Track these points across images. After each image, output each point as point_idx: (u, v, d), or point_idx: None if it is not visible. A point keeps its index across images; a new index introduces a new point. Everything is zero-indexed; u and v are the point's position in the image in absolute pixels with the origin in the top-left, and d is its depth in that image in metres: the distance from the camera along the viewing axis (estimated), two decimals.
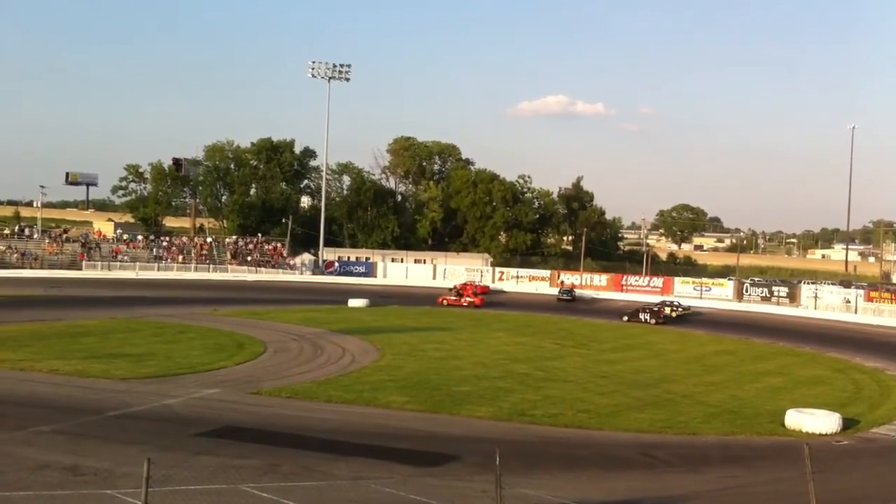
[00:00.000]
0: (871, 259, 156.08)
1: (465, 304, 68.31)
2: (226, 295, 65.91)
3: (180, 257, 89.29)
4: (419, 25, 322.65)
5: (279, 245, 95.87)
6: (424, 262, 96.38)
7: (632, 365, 40.90)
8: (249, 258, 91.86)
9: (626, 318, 64.26)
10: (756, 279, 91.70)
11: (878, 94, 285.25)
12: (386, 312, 60.48)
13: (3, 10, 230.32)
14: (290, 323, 50.08)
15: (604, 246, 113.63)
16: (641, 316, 63.60)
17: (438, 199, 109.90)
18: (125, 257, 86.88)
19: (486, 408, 28.26)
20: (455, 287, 75.34)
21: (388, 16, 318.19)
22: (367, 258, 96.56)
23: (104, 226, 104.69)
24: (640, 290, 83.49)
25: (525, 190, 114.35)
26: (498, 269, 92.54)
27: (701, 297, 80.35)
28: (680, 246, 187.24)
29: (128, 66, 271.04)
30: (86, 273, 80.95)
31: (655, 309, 65.62)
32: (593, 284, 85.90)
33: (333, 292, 72.35)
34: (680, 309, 69.06)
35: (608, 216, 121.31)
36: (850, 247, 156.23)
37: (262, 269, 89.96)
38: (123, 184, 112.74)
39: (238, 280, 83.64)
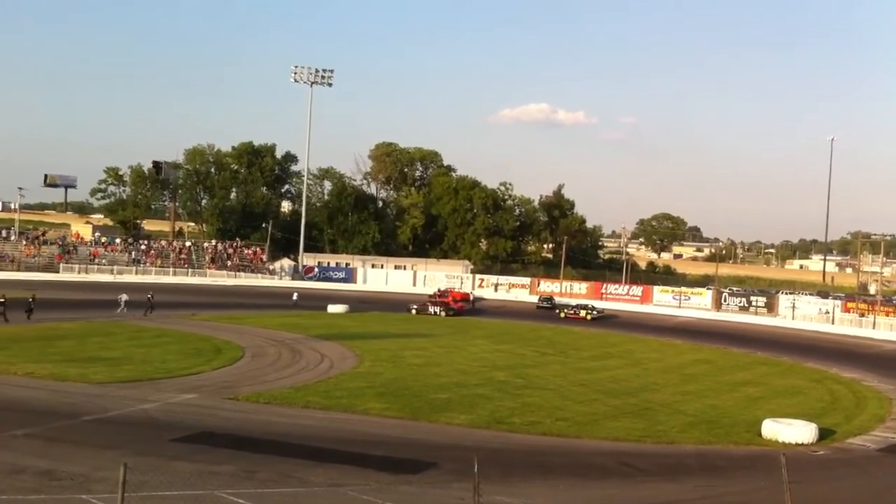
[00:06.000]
0: (849, 270, 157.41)
1: (433, 312, 67.01)
2: (204, 299, 65.56)
3: (159, 261, 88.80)
4: (402, 32, 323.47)
5: (259, 250, 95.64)
6: (405, 269, 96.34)
7: (610, 373, 40.98)
8: (229, 262, 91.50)
9: (414, 310, 66.83)
10: (734, 289, 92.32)
11: (858, 107, 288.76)
12: (366, 318, 60.36)
13: None
14: (268, 328, 49.91)
15: (584, 254, 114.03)
16: (431, 309, 66.86)
17: (419, 205, 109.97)
18: (103, 260, 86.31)
19: (465, 415, 28.21)
20: (436, 293, 75.40)
21: (372, 22, 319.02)
22: (347, 264, 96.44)
23: (82, 228, 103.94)
24: (620, 298, 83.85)
25: (506, 197, 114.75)
26: (478, 276, 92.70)
27: (680, 306, 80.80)
28: (659, 255, 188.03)
29: (108, 69, 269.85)
30: (63, 276, 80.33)
31: (444, 301, 69.72)
32: (573, 292, 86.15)
33: (313, 298, 72.11)
34: (594, 312, 71.65)
35: (589, 224, 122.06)
36: (827, 258, 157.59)
37: (242, 273, 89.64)
38: (102, 186, 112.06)
39: (217, 284, 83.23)
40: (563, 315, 70.23)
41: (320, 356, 39.77)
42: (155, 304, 55.38)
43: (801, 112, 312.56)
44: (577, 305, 73.15)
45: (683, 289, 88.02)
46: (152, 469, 17.63)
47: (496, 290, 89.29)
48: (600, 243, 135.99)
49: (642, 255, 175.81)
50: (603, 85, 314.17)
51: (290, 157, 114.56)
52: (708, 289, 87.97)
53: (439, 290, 77.68)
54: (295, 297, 69.20)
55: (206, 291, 75.27)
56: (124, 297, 55.37)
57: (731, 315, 78.21)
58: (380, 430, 25.36)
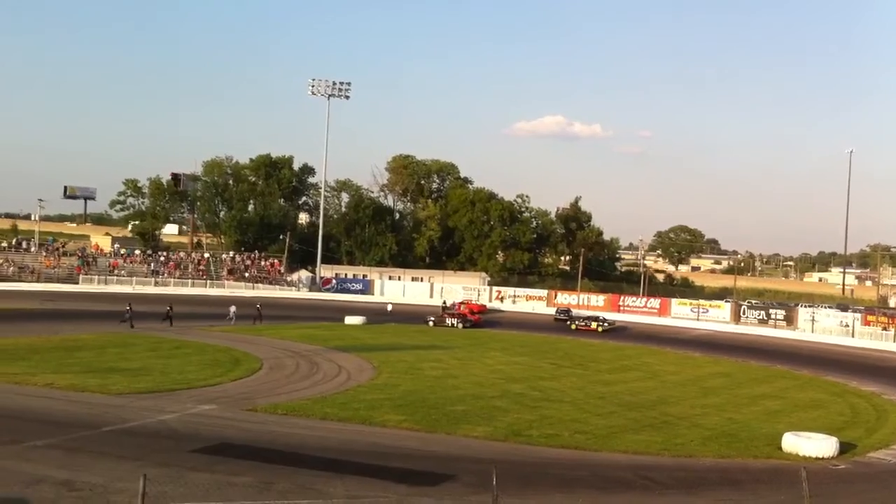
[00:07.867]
0: (869, 283, 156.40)
1: (450, 324, 66.96)
2: (222, 311, 65.71)
3: (177, 272, 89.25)
4: (418, 45, 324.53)
5: (276, 261, 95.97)
6: (422, 281, 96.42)
7: (629, 386, 40.75)
8: (247, 274, 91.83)
9: (431, 322, 66.92)
10: (753, 301, 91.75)
11: (877, 119, 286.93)
12: (383, 330, 60.38)
13: (2, 23, 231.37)
14: (286, 339, 49.98)
15: (601, 266, 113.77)
16: (448, 321, 66.79)
17: (436, 217, 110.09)
18: (122, 272, 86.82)
19: (483, 427, 28.12)
20: (449, 305, 75.23)
21: (389, 35, 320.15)
22: (364, 275, 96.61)
23: (101, 240, 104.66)
24: (638, 310, 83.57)
25: (523, 209, 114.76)
26: (495, 289, 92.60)
27: (698, 319, 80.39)
28: (677, 267, 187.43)
29: (127, 82, 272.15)
30: (82, 287, 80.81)
31: (462, 313, 69.72)
32: (590, 305, 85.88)
33: (330, 309, 72.28)
34: (605, 324, 71.29)
35: (606, 236, 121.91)
36: (847, 270, 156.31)
37: (260, 285, 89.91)
38: (122, 198, 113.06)
39: (235, 296, 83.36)
40: (573, 327, 70.04)
41: (338, 368, 39.79)
42: (240, 315, 59.59)
43: (819, 123, 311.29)
44: (589, 317, 72.95)
45: (701, 301, 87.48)
46: (171, 480, 17.73)
47: (502, 301, 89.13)
48: (618, 255, 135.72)
49: (660, 267, 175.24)
50: (619, 98, 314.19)
51: (307, 169, 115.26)
52: (726, 301, 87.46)
53: (444, 304, 77.42)
54: (389, 307, 72.34)
55: (224, 302, 75.39)
56: (233, 308, 59.43)
57: (750, 328, 77.78)
58: (397, 442, 25.32)
